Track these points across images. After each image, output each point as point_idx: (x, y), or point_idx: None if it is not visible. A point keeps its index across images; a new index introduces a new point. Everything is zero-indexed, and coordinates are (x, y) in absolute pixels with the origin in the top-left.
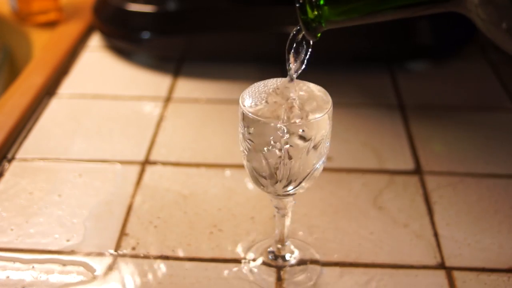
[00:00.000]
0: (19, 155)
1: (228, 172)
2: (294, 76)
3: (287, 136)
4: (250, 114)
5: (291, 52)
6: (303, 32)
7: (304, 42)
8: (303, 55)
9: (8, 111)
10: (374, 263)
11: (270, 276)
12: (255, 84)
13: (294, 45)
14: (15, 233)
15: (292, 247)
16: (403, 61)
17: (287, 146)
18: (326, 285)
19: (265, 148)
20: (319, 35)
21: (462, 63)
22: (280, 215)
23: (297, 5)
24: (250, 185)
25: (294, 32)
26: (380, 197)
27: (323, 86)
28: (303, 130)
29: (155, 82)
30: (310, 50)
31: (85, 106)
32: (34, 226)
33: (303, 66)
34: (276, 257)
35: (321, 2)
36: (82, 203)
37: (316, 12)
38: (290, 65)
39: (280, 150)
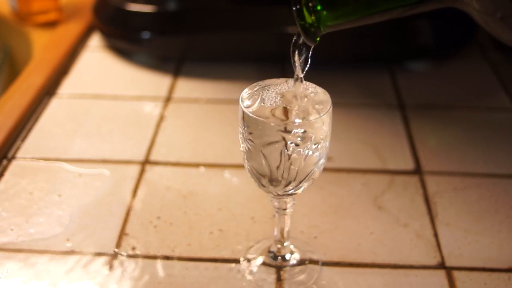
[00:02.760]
0: (19, 155)
1: (228, 172)
2: (301, 76)
3: (287, 136)
4: (250, 114)
5: (296, 55)
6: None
7: (305, 45)
8: (304, 56)
9: (8, 111)
10: (374, 263)
11: (270, 276)
12: (255, 84)
13: (297, 49)
14: (15, 233)
15: (292, 247)
16: (403, 61)
17: (287, 146)
18: (326, 285)
19: (265, 148)
20: (318, 39)
21: (462, 63)
22: (280, 215)
23: (294, 9)
24: (250, 185)
25: (295, 37)
26: (380, 197)
27: (323, 86)
28: (303, 130)
29: (155, 82)
30: (311, 51)
31: (85, 106)
32: (34, 226)
33: (307, 67)
34: (276, 257)
35: (319, 8)
36: (82, 203)
37: (314, 17)
38: (296, 67)
39: (280, 150)
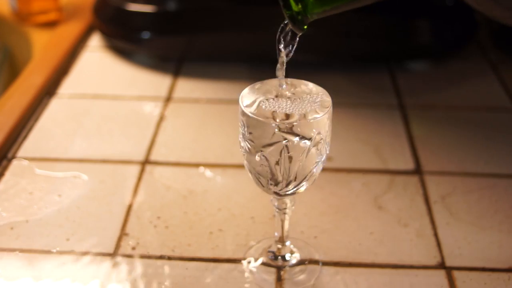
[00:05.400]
0: (19, 155)
1: (228, 172)
2: (284, 60)
3: (287, 136)
4: (250, 114)
5: (281, 43)
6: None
7: (292, 33)
8: (291, 43)
9: (8, 111)
10: (374, 263)
11: (270, 276)
12: (255, 84)
13: (283, 38)
14: (15, 233)
15: (292, 247)
16: (403, 61)
17: (287, 146)
18: (326, 285)
19: (265, 148)
20: (305, 27)
21: (462, 63)
22: (280, 215)
23: None
24: (250, 185)
25: (283, 25)
26: (380, 197)
27: (323, 86)
28: (303, 130)
29: (155, 82)
30: (297, 39)
31: (85, 106)
32: (34, 226)
33: (291, 54)
34: (276, 257)
35: None
36: (82, 203)
37: (300, 6)
38: (281, 55)
39: (279, 150)
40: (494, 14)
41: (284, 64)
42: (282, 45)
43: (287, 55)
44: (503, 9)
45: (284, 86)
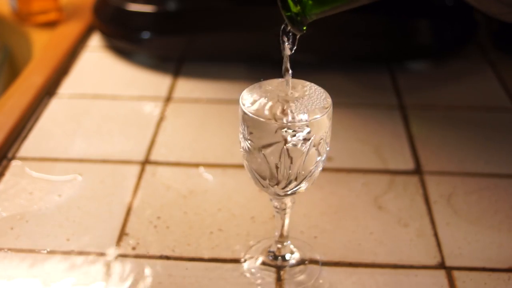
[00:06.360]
0: (19, 155)
1: (228, 172)
2: (289, 54)
3: (287, 136)
4: (250, 114)
5: (285, 41)
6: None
7: (293, 33)
8: (291, 41)
9: (8, 111)
10: (374, 263)
11: (270, 276)
12: (255, 84)
13: (286, 36)
14: (15, 233)
15: (292, 247)
16: (403, 61)
17: (287, 146)
18: (325, 285)
19: (265, 148)
20: (304, 28)
21: (462, 63)
22: (280, 215)
23: None
24: (250, 185)
25: (284, 25)
26: (380, 197)
27: (323, 86)
28: (303, 130)
29: (155, 82)
30: (297, 38)
31: (85, 106)
32: (34, 226)
33: (294, 49)
34: (276, 257)
35: None
36: (82, 203)
37: (299, 7)
38: (285, 52)
39: (280, 150)
40: (493, 10)
41: (289, 56)
42: (286, 39)
43: (291, 49)
44: (502, 5)
45: (285, 86)
